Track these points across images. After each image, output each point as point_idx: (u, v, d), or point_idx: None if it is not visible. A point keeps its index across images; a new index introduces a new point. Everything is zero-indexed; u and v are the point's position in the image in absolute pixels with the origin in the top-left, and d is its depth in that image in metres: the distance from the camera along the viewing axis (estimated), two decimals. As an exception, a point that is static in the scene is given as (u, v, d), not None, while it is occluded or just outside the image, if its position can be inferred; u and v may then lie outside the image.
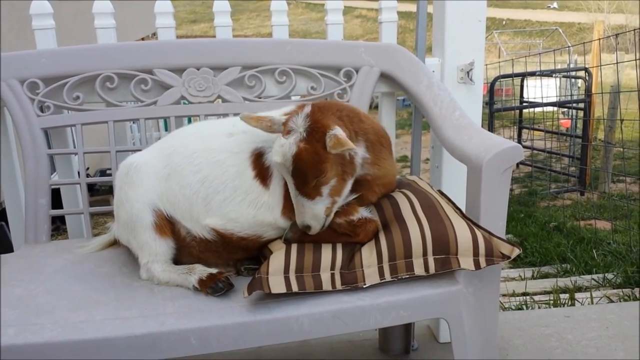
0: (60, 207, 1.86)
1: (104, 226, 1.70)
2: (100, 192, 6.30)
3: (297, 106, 1.40)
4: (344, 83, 1.86)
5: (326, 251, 1.35)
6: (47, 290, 1.38)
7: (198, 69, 1.80)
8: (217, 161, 1.43)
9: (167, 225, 1.44)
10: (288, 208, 1.38)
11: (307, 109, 1.32)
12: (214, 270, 1.38)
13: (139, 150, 1.60)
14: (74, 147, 1.91)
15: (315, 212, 1.31)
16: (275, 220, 1.40)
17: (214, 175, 1.42)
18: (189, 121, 1.97)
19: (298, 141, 1.26)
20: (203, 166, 1.43)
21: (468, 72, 1.94)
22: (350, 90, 1.86)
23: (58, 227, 4.78)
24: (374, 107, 2.14)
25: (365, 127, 1.40)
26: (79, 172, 1.92)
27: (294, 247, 1.37)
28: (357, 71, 1.86)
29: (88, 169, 5.92)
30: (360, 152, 1.37)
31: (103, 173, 6.59)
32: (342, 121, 1.34)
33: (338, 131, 1.25)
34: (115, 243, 1.61)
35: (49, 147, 1.77)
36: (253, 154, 1.42)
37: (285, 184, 1.37)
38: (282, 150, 1.28)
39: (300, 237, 1.38)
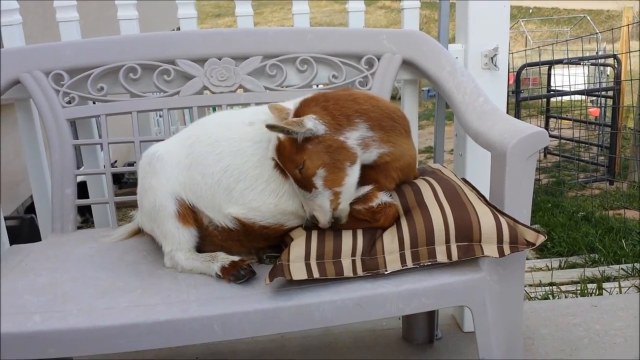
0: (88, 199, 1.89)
1: (129, 215, 1.72)
2: (129, 185, 6.38)
3: (313, 94, 1.40)
4: (365, 71, 1.85)
5: (347, 237, 1.35)
6: (73, 278, 1.40)
7: (220, 59, 1.81)
8: (238, 150, 1.43)
9: (189, 214, 1.45)
10: None
11: (296, 105, 1.35)
12: (236, 258, 1.39)
13: (163, 140, 1.62)
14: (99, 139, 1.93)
15: (318, 204, 1.32)
16: (297, 208, 1.40)
17: (235, 164, 1.42)
18: (214, 110, 1.98)
19: (279, 135, 1.30)
20: (225, 155, 1.43)
21: (492, 58, 1.91)
22: (372, 78, 1.84)
23: (87, 219, 4.86)
24: (397, 98, 2.12)
25: (364, 107, 1.36)
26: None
27: (315, 234, 1.37)
28: (378, 59, 1.85)
29: (116, 161, 6.00)
30: (356, 134, 1.33)
31: (131, 166, 6.66)
32: (327, 110, 1.32)
33: (305, 117, 1.28)
34: (139, 232, 1.63)
35: (75, 139, 1.80)
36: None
37: None
38: (271, 144, 1.33)
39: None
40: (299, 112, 1.33)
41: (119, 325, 1.22)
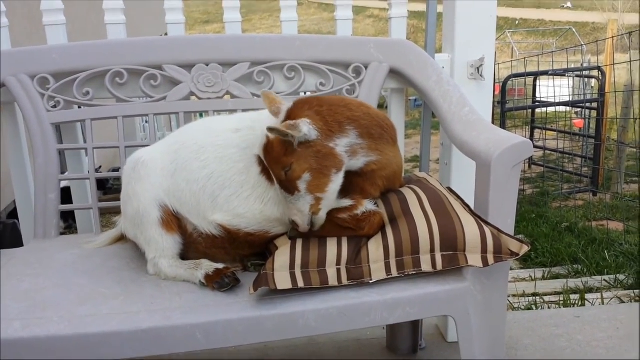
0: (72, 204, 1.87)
1: (113, 221, 1.71)
2: (113, 191, 6.33)
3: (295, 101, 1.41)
4: (353, 79, 1.85)
5: (332, 246, 1.34)
6: (55, 285, 1.38)
7: (207, 65, 1.80)
8: (223, 157, 1.43)
9: (174, 221, 1.44)
10: None
11: (289, 105, 1.33)
12: (220, 266, 1.38)
13: (148, 146, 1.60)
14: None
15: (298, 207, 1.31)
16: (282, 215, 1.39)
17: (220, 171, 1.42)
18: (201, 116, 1.97)
19: (268, 134, 1.28)
20: (210, 162, 1.43)
21: (478, 68, 1.93)
22: (360, 86, 1.85)
23: (70, 225, 4.81)
24: (384, 107, 2.13)
25: (356, 114, 1.36)
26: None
27: (299, 243, 1.36)
28: (366, 67, 1.85)
29: (100, 167, 5.95)
30: (345, 140, 1.32)
31: (116, 172, 6.61)
32: (320, 115, 1.31)
33: (300, 121, 1.26)
34: (122, 238, 1.61)
35: (60, 143, 1.78)
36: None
37: None
38: (259, 142, 1.31)
39: (305, 233, 1.38)
40: (293, 112, 1.32)
41: (100, 333, 1.20)
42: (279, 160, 1.28)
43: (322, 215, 1.33)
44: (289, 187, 1.30)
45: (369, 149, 1.36)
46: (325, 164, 1.30)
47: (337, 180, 1.32)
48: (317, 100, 1.36)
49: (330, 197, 1.33)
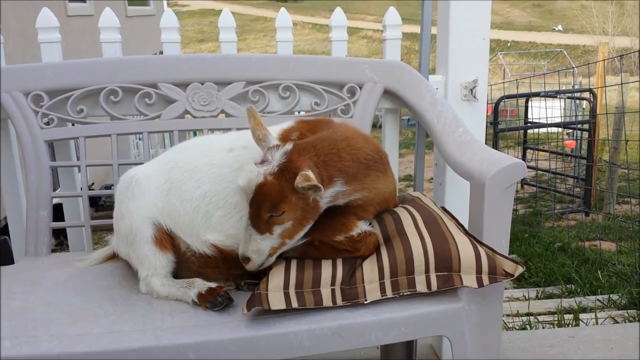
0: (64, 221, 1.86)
1: (105, 239, 1.70)
2: (105, 208, 6.31)
3: (295, 123, 1.42)
4: (347, 99, 1.86)
5: (326, 267, 1.34)
6: (45, 303, 1.37)
7: (202, 84, 1.81)
8: (217, 176, 1.42)
9: (167, 239, 1.43)
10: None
11: (288, 147, 1.28)
12: (213, 285, 1.37)
13: (142, 164, 1.60)
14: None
15: (259, 247, 1.28)
16: None
17: (214, 191, 1.41)
18: (194, 134, 1.97)
19: (268, 173, 1.24)
20: (204, 181, 1.42)
21: (472, 90, 1.94)
22: (354, 106, 1.86)
23: (62, 242, 4.79)
24: (378, 126, 2.14)
25: (345, 164, 1.34)
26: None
27: (294, 263, 1.35)
28: (360, 87, 1.86)
29: (93, 184, 5.94)
30: (330, 191, 1.31)
31: (108, 189, 6.59)
32: (317, 167, 1.28)
33: (309, 172, 1.22)
34: (114, 256, 1.60)
35: (52, 160, 1.77)
36: None
37: None
38: (249, 176, 1.26)
39: (300, 254, 1.37)
40: (294, 159, 1.26)
41: (91, 352, 1.19)
42: (274, 204, 1.25)
43: (274, 259, 1.32)
44: (262, 227, 1.27)
45: (353, 191, 1.36)
46: (307, 215, 1.30)
47: (304, 231, 1.32)
48: (313, 148, 1.31)
49: (293, 243, 1.33)
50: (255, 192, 1.25)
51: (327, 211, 1.34)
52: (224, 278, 1.45)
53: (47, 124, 1.75)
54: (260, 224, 1.27)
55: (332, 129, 1.42)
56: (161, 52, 1.97)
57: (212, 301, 1.32)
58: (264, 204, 1.25)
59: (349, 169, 1.35)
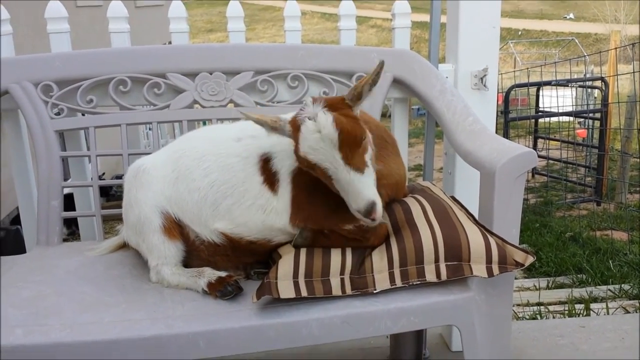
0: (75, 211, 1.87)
1: (116, 229, 1.71)
2: (116, 197, 6.34)
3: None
4: (356, 88, 1.85)
5: (336, 256, 1.34)
6: (57, 292, 1.38)
7: (211, 74, 1.81)
8: (225, 165, 1.42)
9: (175, 228, 1.44)
10: (296, 215, 1.36)
11: (312, 100, 1.25)
12: (223, 274, 1.37)
13: (151, 153, 1.60)
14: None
15: (372, 187, 1.22)
16: (284, 225, 1.38)
17: (222, 180, 1.41)
18: (204, 124, 1.97)
19: (332, 113, 1.20)
20: (212, 170, 1.42)
21: (482, 78, 1.92)
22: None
23: (74, 231, 4.82)
24: (387, 116, 2.13)
25: (367, 117, 1.36)
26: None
27: (303, 252, 1.35)
28: (369, 76, 1.85)
29: (104, 174, 5.97)
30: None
31: (119, 179, 6.63)
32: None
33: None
34: (125, 245, 1.61)
35: (63, 150, 1.78)
36: (261, 159, 1.40)
37: (295, 189, 1.35)
38: (316, 129, 1.20)
39: (310, 242, 1.37)
40: (327, 101, 1.24)
41: (102, 341, 1.20)
42: (358, 127, 1.21)
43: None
44: (360, 161, 1.21)
45: (374, 157, 1.34)
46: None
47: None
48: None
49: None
50: (339, 132, 1.19)
51: (337, 199, 1.34)
52: (234, 266, 1.46)
53: (57, 114, 1.76)
54: (357, 160, 1.21)
55: None
56: (170, 43, 1.97)
57: (222, 290, 1.33)
58: (352, 139, 1.20)
59: (370, 124, 1.35)
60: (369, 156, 1.25)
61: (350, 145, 1.20)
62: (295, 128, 1.25)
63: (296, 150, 1.25)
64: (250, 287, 1.34)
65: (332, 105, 1.23)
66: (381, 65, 1.24)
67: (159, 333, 1.22)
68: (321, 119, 1.20)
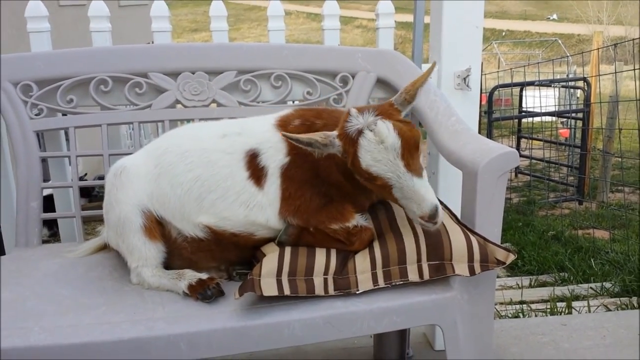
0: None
1: (97, 230, 1.69)
2: (98, 198, 6.28)
3: (295, 110, 1.41)
4: (340, 88, 1.85)
5: (320, 256, 1.34)
6: (36, 294, 1.36)
7: (193, 73, 1.79)
8: (209, 161, 1.42)
9: (156, 228, 1.43)
10: (286, 206, 1.37)
11: (357, 110, 1.27)
12: (204, 276, 1.36)
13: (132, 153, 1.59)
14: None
15: (432, 190, 1.23)
16: (267, 220, 1.38)
17: (206, 175, 1.40)
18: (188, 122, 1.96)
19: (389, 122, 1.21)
20: (195, 165, 1.42)
21: (465, 78, 1.93)
22: (347, 96, 1.85)
23: (55, 232, 4.76)
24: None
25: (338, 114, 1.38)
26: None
27: (288, 250, 1.35)
28: (353, 76, 1.85)
29: (86, 175, 5.91)
30: None
31: (101, 180, 6.57)
32: None
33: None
34: (105, 247, 1.59)
35: (42, 151, 1.76)
36: (247, 154, 1.40)
37: (285, 182, 1.36)
38: (378, 139, 1.20)
39: (294, 239, 1.37)
40: (376, 109, 1.26)
41: (81, 344, 1.18)
42: (415, 133, 1.23)
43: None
44: (418, 166, 1.23)
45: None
46: None
47: None
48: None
49: None
50: (402, 139, 1.20)
51: (327, 197, 1.34)
52: (217, 264, 1.45)
53: (37, 114, 1.74)
54: (416, 165, 1.23)
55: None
56: (152, 42, 1.95)
57: (203, 293, 1.32)
58: (413, 145, 1.22)
59: None
60: (422, 158, 1.25)
61: (410, 151, 1.21)
62: (348, 142, 1.24)
63: (354, 164, 1.24)
64: (232, 289, 1.33)
65: (384, 112, 1.24)
66: (433, 66, 1.27)
67: (139, 335, 1.20)
68: (381, 128, 1.21)
